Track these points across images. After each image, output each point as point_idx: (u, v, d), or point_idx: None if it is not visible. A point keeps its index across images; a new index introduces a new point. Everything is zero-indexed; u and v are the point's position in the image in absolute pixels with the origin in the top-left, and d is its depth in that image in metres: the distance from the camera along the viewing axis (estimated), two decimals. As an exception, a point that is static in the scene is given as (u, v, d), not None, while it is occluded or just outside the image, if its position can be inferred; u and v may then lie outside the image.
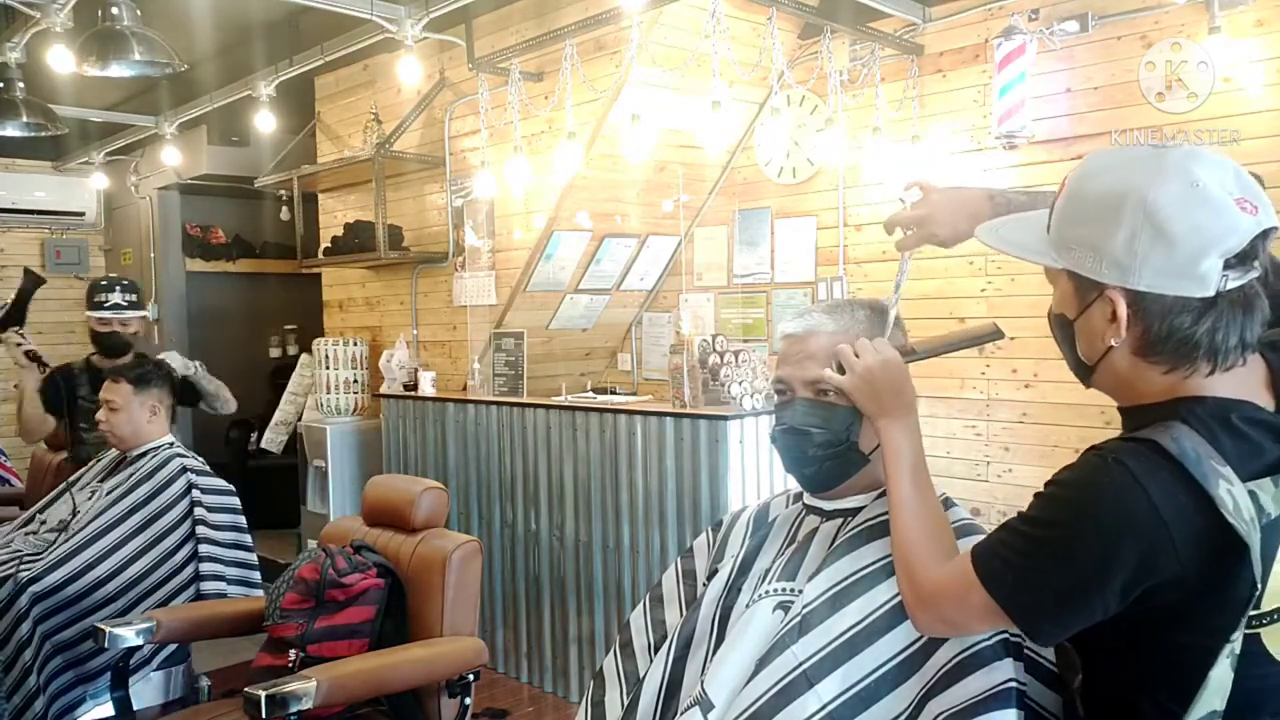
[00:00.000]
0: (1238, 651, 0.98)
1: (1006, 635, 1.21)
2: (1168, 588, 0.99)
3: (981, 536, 1.29)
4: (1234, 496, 0.97)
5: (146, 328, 4.36)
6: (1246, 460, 1.01)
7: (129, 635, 2.44)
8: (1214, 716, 0.99)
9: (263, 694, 1.94)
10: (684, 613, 1.51)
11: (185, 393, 3.65)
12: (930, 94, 3.69)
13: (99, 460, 3.33)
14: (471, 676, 2.33)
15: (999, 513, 3.54)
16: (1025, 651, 1.23)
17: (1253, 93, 2.99)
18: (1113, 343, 1.08)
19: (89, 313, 3.81)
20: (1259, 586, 0.97)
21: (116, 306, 3.77)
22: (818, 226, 4.04)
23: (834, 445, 1.40)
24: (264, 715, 1.92)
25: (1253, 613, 1.00)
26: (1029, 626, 1.07)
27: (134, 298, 3.84)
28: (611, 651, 1.59)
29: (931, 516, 1.25)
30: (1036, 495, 1.08)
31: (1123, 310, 1.05)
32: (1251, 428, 1.03)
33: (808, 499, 1.50)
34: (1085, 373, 1.18)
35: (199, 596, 3.00)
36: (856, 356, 1.34)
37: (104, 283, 3.86)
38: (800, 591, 1.34)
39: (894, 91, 3.76)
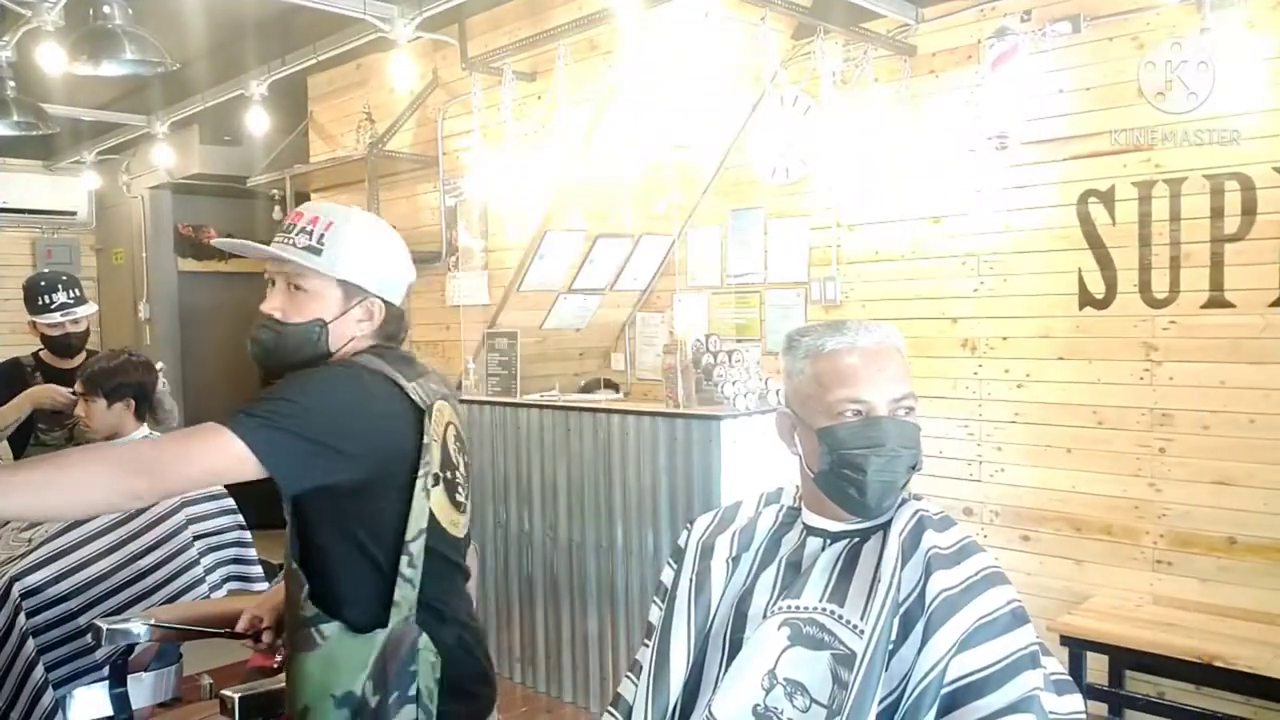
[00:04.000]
0: (430, 488, 1.59)
1: (1036, 648, 1.26)
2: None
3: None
4: (411, 385, 1.62)
5: (137, 326, 4.28)
6: (409, 373, 1.65)
7: (127, 632, 2.43)
8: (421, 536, 1.58)
9: (236, 696, 1.93)
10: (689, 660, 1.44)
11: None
12: (924, 94, 3.70)
13: None
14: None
15: (991, 512, 3.55)
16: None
17: (1253, 93, 2.99)
18: (362, 332, 1.69)
19: (36, 317, 3.58)
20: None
21: (64, 306, 3.55)
22: (811, 227, 4.04)
23: (914, 466, 1.38)
24: (237, 717, 1.92)
25: (426, 471, 1.58)
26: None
27: (78, 292, 3.63)
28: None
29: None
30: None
31: (380, 313, 1.70)
32: (405, 362, 1.69)
33: (812, 520, 1.45)
34: (313, 358, 1.65)
35: (203, 594, 2.99)
36: None
37: (43, 283, 3.60)
38: (807, 607, 1.34)
39: (888, 92, 3.76)
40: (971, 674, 1.23)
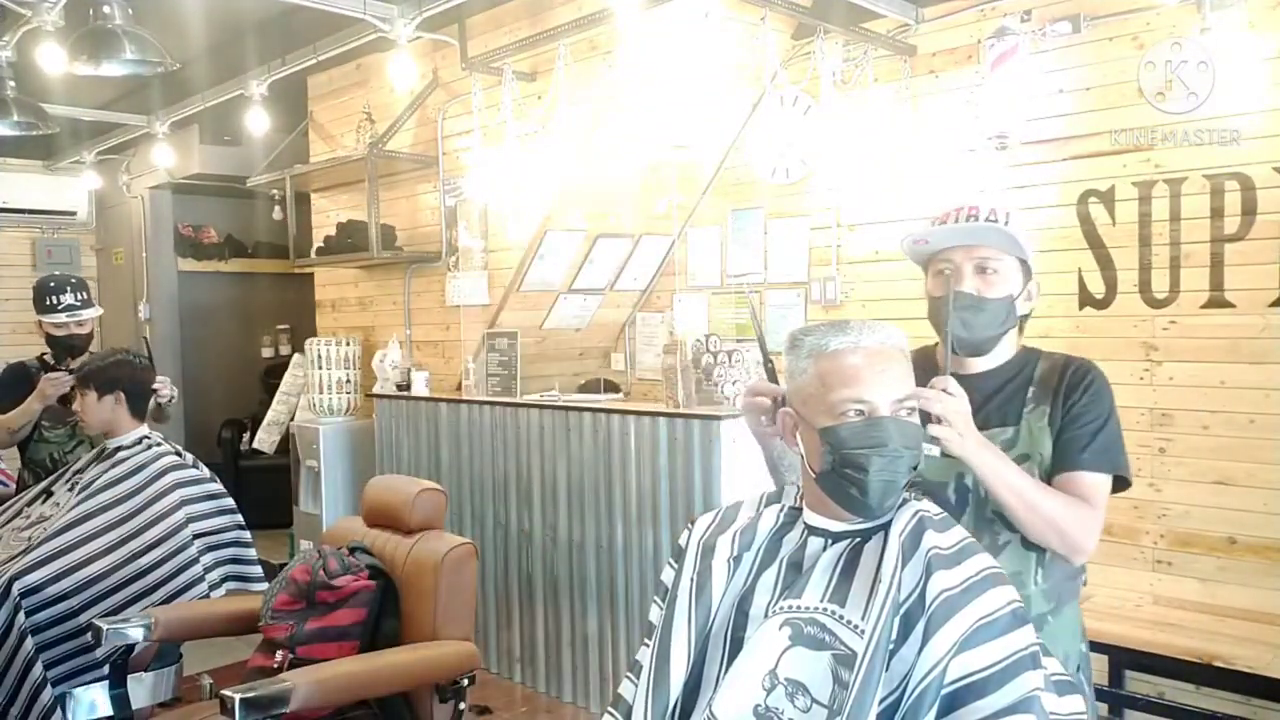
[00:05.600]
0: None
1: (1037, 648, 1.25)
2: None
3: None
4: None
5: (137, 326, 4.27)
6: None
7: (127, 632, 2.44)
8: None
9: (237, 697, 1.93)
10: (689, 663, 1.44)
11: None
12: (923, 94, 3.70)
13: (75, 457, 3.32)
14: (466, 681, 2.33)
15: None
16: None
17: (1253, 93, 2.99)
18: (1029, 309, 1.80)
19: (42, 316, 3.63)
20: None
21: (70, 308, 3.60)
22: (811, 227, 4.04)
23: (915, 466, 1.38)
24: (237, 717, 1.92)
25: None
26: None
27: (85, 295, 3.67)
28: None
29: (1049, 491, 1.67)
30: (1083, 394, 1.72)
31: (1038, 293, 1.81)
32: None
33: (813, 520, 1.45)
34: (991, 342, 1.76)
35: (203, 592, 3.00)
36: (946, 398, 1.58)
37: (52, 284, 3.66)
38: (808, 607, 1.34)
39: (888, 92, 3.76)
40: (972, 674, 1.23)
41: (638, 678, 1.46)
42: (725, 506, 1.58)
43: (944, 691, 1.23)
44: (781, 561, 1.43)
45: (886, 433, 1.35)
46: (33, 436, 3.61)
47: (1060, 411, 1.71)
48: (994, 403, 1.72)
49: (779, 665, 1.32)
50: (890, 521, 1.38)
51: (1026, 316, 1.80)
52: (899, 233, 3.72)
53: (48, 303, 3.62)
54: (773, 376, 1.65)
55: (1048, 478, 1.70)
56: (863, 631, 1.28)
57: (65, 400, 3.48)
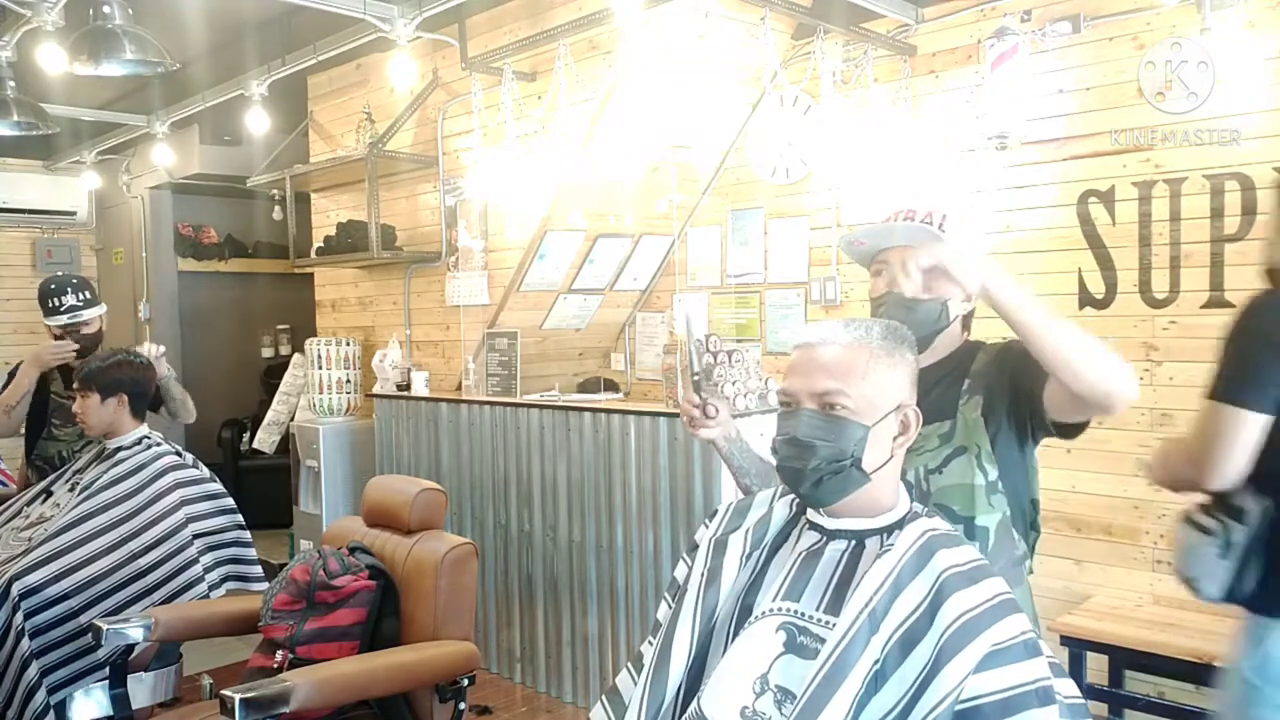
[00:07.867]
0: None
1: (1048, 682, 1.23)
2: None
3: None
4: None
5: (137, 326, 4.27)
6: None
7: (127, 632, 2.44)
8: None
9: (237, 697, 1.93)
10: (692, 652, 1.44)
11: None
12: (923, 94, 3.70)
13: (78, 457, 3.33)
14: (466, 681, 2.33)
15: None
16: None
17: (1253, 93, 2.99)
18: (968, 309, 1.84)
19: (46, 320, 3.65)
20: None
21: (73, 309, 3.61)
22: (811, 227, 4.04)
23: (837, 460, 1.37)
24: (237, 717, 1.92)
25: None
26: None
27: (88, 294, 3.68)
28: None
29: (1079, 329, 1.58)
30: None
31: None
32: None
33: (812, 515, 1.46)
34: (925, 342, 1.75)
35: (203, 592, 3.01)
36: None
37: (53, 286, 3.67)
38: (805, 614, 1.34)
39: (888, 92, 3.76)
40: (979, 697, 1.21)
41: (637, 670, 1.47)
42: (739, 502, 1.59)
43: (955, 709, 1.21)
44: (785, 558, 1.44)
45: (793, 423, 1.40)
46: (42, 434, 3.62)
47: (1006, 382, 1.72)
48: (931, 397, 1.65)
49: (771, 671, 1.32)
50: (891, 529, 1.38)
51: (971, 314, 1.83)
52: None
53: (49, 305, 3.64)
54: (699, 389, 1.79)
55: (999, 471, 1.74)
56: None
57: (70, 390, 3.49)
